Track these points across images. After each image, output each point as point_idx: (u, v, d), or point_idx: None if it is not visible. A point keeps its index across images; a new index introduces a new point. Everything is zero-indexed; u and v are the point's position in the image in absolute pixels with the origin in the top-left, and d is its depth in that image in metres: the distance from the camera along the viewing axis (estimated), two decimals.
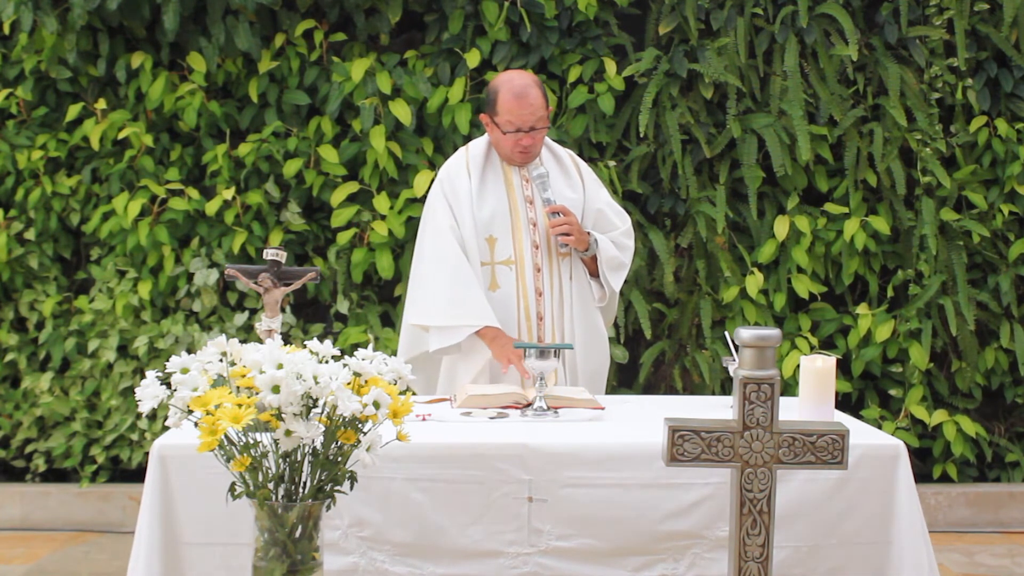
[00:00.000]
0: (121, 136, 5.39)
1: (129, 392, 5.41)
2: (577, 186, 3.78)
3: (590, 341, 3.73)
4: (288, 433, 2.18)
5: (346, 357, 2.30)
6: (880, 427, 5.30)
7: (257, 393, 2.18)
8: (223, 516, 2.53)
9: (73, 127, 5.54)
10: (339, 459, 2.26)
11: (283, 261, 3.45)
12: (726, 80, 5.36)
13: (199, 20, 5.39)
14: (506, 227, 3.67)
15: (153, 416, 5.31)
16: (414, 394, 3.44)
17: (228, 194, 5.35)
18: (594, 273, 3.75)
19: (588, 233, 3.69)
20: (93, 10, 5.20)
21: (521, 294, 3.65)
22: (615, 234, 3.77)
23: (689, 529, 2.79)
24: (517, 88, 3.61)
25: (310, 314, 5.62)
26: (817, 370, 2.96)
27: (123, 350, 5.49)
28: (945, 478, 5.60)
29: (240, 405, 2.15)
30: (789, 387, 5.09)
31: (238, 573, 2.67)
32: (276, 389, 2.16)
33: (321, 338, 2.42)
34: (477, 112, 5.16)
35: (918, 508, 2.80)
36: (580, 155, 5.39)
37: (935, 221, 5.44)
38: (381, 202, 5.34)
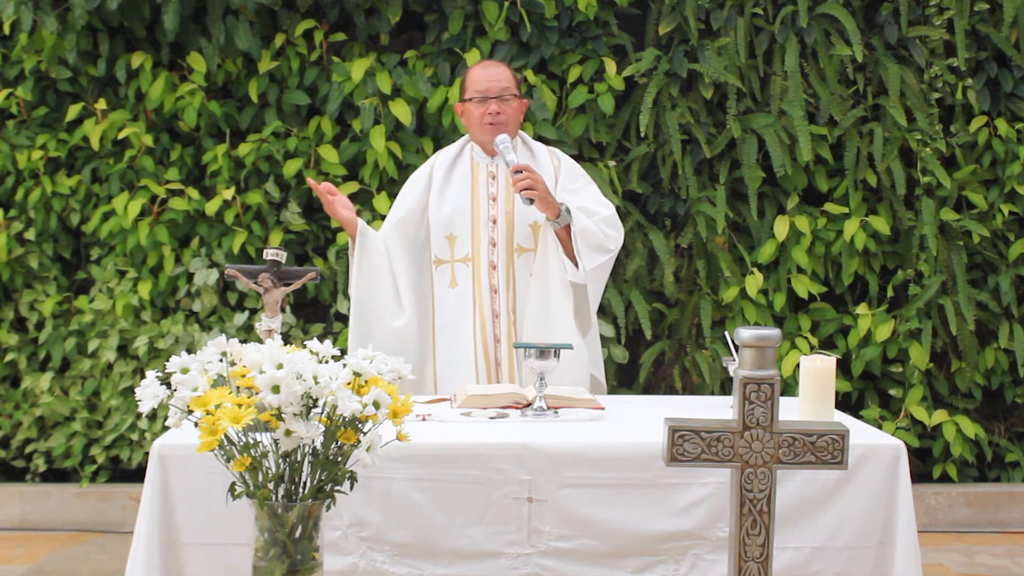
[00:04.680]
0: (121, 136, 5.39)
1: (129, 392, 5.41)
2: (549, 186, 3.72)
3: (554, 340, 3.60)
4: (288, 433, 2.18)
5: (346, 357, 2.30)
6: (880, 427, 5.30)
7: (257, 393, 2.18)
8: (223, 516, 2.52)
9: (73, 127, 5.54)
10: (339, 459, 2.26)
11: (283, 261, 3.45)
12: (726, 80, 5.36)
13: (199, 20, 5.39)
14: (466, 225, 3.71)
15: (153, 416, 5.31)
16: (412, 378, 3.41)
17: (228, 194, 5.35)
18: (571, 254, 3.64)
19: (560, 204, 3.60)
20: (93, 10, 5.20)
21: (477, 292, 3.67)
22: (595, 219, 3.67)
23: (689, 530, 2.79)
24: (483, 62, 3.94)
25: (310, 314, 5.62)
26: (817, 370, 2.96)
27: (123, 350, 5.49)
28: (945, 478, 5.59)
29: (240, 405, 2.15)
30: (789, 387, 5.08)
31: (238, 573, 2.67)
32: (276, 389, 2.16)
33: (321, 338, 2.42)
34: None
35: (912, 508, 2.81)
36: (580, 155, 5.41)
37: (935, 221, 5.43)
38: (381, 202, 5.33)
